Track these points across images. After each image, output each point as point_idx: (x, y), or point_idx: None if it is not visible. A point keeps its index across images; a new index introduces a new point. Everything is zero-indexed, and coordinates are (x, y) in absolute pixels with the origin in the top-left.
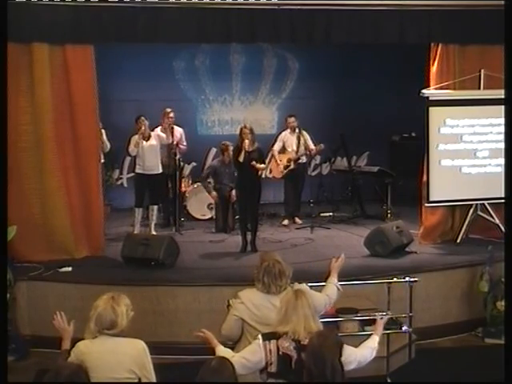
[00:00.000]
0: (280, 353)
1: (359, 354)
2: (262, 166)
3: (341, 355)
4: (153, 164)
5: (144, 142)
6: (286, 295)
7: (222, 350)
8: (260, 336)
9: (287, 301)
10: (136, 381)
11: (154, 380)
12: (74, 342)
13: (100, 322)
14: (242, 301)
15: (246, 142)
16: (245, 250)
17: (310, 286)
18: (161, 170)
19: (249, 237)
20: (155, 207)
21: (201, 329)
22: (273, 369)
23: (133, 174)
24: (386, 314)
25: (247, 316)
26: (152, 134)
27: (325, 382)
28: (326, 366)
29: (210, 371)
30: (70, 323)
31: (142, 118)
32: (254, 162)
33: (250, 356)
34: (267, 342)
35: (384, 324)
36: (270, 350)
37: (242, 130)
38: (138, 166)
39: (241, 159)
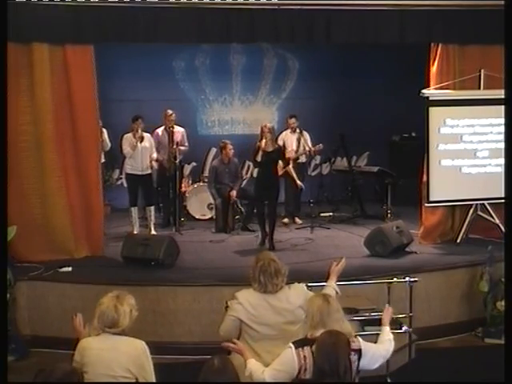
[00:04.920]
0: None
1: (382, 349)
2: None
3: (349, 354)
4: (145, 165)
5: (139, 144)
6: (314, 301)
7: (253, 363)
8: (291, 344)
9: (319, 306)
10: (133, 380)
11: (154, 380)
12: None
13: (102, 320)
14: (240, 301)
15: (263, 141)
16: (263, 243)
17: (310, 286)
18: (150, 171)
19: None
20: (152, 208)
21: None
22: (307, 375)
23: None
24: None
25: (245, 316)
26: (145, 135)
27: (336, 382)
28: (339, 364)
29: (214, 371)
30: (85, 326)
31: (140, 119)
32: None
33: (281, 366)
34: (300, 348)
35: (390, 314)
36: (305, 357)
37: (261, 128)
38: (129, 167)
39: (258, 159)
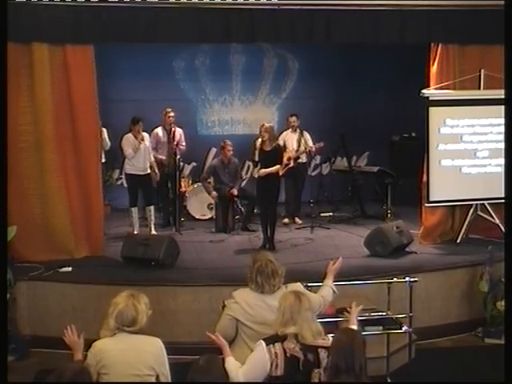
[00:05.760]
0: (288, 355)
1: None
2: (274, 168)
3: (365, 352)
4: (145, 165)
5: (140, 145)
6: (286, 297)
7: (231, 362)
8: (262, 341)
9: (291, 304)
10: (154, 378)
11: (169, 377)
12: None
13: (121, 319)
14: (236, 301)
15: (258, 140)
16: (265, 246)
17: (310, 286)
18: (149, 171)
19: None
20: (152, 207)
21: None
22: (278, 372)
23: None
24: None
25: (241, 316)
26: (144, 135)
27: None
28: (355, 361)
29: (200, 371)
30: (80, 336)
31: (141, 122)
32: (262, 171)
33: (253, 364)
34: (271, 345)
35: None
36: (276, 353)
37: (260, 128)
38: (129, 167)
39: (255, 158)
